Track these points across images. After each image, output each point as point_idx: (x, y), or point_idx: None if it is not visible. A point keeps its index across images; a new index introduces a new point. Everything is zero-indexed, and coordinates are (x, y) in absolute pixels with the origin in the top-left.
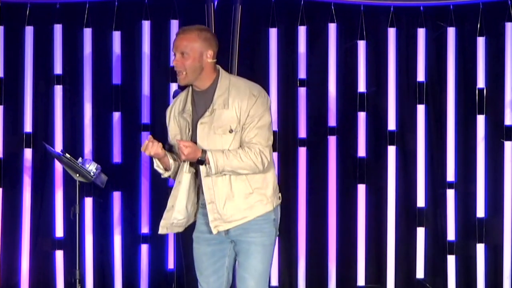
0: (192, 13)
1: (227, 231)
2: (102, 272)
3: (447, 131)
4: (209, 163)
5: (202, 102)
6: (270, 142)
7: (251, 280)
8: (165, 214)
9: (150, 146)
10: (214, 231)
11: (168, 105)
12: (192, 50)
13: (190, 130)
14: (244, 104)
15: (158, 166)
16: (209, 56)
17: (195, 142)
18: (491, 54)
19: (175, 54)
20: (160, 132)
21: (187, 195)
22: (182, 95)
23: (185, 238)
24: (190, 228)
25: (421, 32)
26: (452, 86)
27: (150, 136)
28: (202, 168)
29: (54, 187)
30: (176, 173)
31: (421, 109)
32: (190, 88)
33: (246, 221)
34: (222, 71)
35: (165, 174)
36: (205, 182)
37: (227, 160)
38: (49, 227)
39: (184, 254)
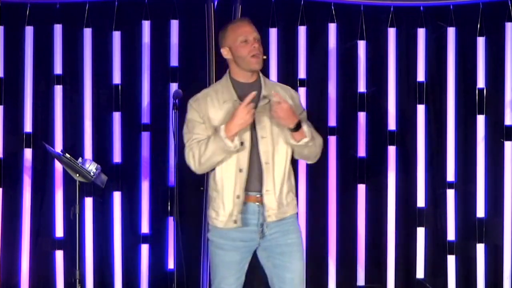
0: (192, 13)
1: (263, 235)
2: (102, 272)
3: (447, 131)
4: (303, 130)
5: (249, 93)
6: None
7: (298, 280)
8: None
9: (250, 108)
10: (268, 219)
11: (168, 105)
12: (260, 40)
13: None
14: (294, 97)
15: (227, 138)
16: None
17: (254, 129)
18: (491, 54)
19: (249, 40)
20: (160, 132)
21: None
22: (216, 86)
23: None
24: (190, 228)
25: (421, 32)
26: (452, 86)
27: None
28: (267, 154)
29: (54, 187)
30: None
31: (421, 109)
32: (228, 80)
33: (285, 216)
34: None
35: (235, 148)
36: (267, 168)
37: (313, 132)
38: (49, 227)
39: (184, 254)
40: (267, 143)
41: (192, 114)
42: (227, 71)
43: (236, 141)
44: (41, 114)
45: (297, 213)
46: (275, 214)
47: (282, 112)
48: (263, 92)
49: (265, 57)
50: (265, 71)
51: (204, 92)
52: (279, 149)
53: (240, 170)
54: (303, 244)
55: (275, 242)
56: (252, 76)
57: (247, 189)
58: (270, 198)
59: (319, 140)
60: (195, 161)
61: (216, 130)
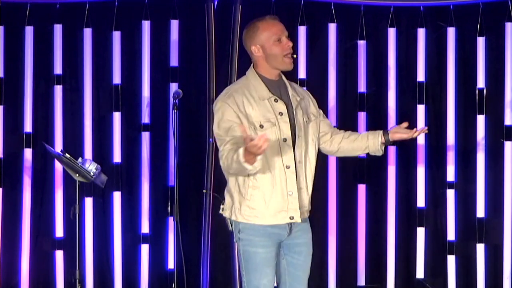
0: (192, 13)
1: (290, 232)
2: (102, 272)
3: (447, 131)
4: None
5: (280, 91)
6: None
7: (306, 279)
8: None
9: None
10: (302, 216)
11: (168, 105)
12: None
13: (287, 115)
14: (312, 97)
15: (244, 162)
16: None
17: (294, 127)
18: (491, 54)
19: (282, 38)
20: (160, 132)
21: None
22: (244, 83)
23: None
24: (190, 228)
25: (421, 32)
26: (452, 86)
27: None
28: (298, 152)
29: (54, 187)
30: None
31: (421, 109)
32: (257, 77)
33: (307, 216)
34: None
35: (254, 170)
36: (300, 168)
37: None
38: (49, 227)
39: (184, 254)
40: (301, 142)
41: (227, 112)
42: (251, 68)
43: (257, 163)
44: (41, 114)
45: None
46: (306, 211)
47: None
48: (291, 92)
49: (295, 55)
50: None
51: (234, 88)
52: (310, 148)
53: (288, 167)
54: None
55: (296, 241)
56: (278, 74)
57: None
58: (303, 196)
59: None
60: (225, 169)
61: (236, 151)
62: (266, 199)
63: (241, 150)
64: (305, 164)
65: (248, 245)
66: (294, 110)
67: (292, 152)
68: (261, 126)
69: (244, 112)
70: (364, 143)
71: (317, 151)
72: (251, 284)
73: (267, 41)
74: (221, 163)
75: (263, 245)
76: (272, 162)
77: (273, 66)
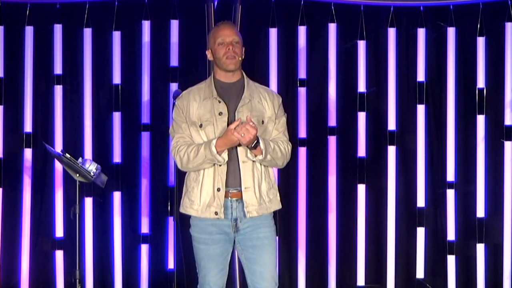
0: (192, 13)
1: (237, 229)
2: (102, 272)
3: (447, 131)
4: (260, 148)
5: (231, 93)
6: None
7: (268, 274)
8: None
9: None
10: (248, 215)
11: (168, 105)
12: (240, 42)
13: (227, 115)
14: (275, 100)
15: (222, 156)
16: (243, 52)
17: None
18: (491, 54)
19: (226, 42)
20: (160, 132)
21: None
22: (199, 85)
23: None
24: (189, 227)
25: (421, 32)
26: (452, 86)
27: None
28: (244, 152)
29: (54, 187)
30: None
31: (421, 109)
32: (211, 80)
33: (268, 212)
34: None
35: (223, 162)
36: (244, 166)
37: (272, 148)
38: (49, 227)
39: (184, 254)
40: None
41: (175, 112)
42: (212, 72)
43: (224, 155)
44: (41, 114)
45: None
46: (256, 210)
47: (249, 137)
48: (245, 93)
49: (241, 58)
50: (265, 71)
51: (187, 90)
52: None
53: (219, 165)
54: (275, 239)
55: (248, 236)
56: (234, 76)
57: (226, 183)
58: (250, 195)
59: (282, 150)
60: (182, 163)
61: (206, 143)
62: (202, 192)
63: (214, 141)
64: (252, 164)
65: (194, 241)
66: (237, 111)
67: (227, 151)
68: (201, 126)
69: (188, 111)
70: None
71: None
72: (200, 278)
73: (213, 45)
74: (176, 158)
75: (204, 242)
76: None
77: (221, 68)
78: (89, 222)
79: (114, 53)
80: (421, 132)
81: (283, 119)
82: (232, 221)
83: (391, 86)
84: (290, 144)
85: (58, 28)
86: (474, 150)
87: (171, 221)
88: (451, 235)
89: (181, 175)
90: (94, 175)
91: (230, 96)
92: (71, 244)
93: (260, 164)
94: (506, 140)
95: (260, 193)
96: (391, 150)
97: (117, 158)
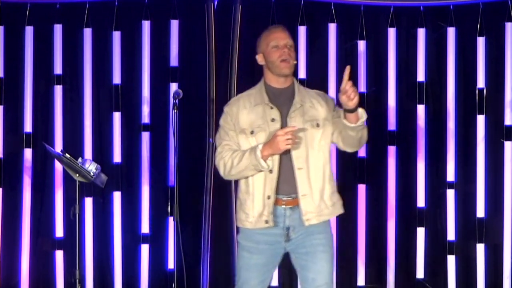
0: (192, 13)
1: (289, 238)
2: (102, 272)
3: (447, 131)
4: (358, 114)
5: (282, 99)
6: None
7: (322, 281)
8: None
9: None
10: (307, 223)
11: (168, 105)
12: (293, 46)
13: (280, 121)
14: (329, 101)
15: (267, 162)
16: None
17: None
18: (491, 54)
19: (281, 45)
20: (160, 132)
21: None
22: (250, 91)
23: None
24: (190, 228)
25: (421, 32)
26: (452, 86)
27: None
28: (300, 159)
29: (54, 187)
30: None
31: (421, 109)
32: (262, 85)
33: (329, 218)
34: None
35: (268, 169)
36: (300, 173)
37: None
38: (49, 227)
39: (184, 254)
40: (300, 149)
41: (223, 119)
42: (262, 77)
43: (269, 162)
44: (41, 114)
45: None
46: (315, 217)
47: (354, 93)
48: (296, 99)
49: (295, 62)
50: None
51: (237, 96)
52: (312, 154)
53: (271, 171)
54: (332, 246)
55: (301, 243)
56: (285, 82)
57: (276, 192)
58: (307, 202)
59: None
60: (225, 170)
61: (252, 148)
62: (254, 203)
63: (260, 146)
64: (307, 171)
65: (239, 248)
66: (289, 116)
67: (278, 158)
68: (252, 132)
69: (237, 119)
70: (341, 122)
71: (326, 156)
72: (236, 287)
73: (266, 48)
74: (220, 164)
75: (249, 250)
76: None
77: (274, 72)
78: (89, 222)
79: (114, 53)
80: (421, 132)
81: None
82: (284, 229)
83: (391, 86)
84: None
85: (58, 28)
86: (474, 150)
87: (171, 221)
88: (451, 235)
89: (181, 175)
90: (94, 175)
91: (282, 102)
92: (71, 244)
93: (323, 170)
94: (506, 140)
95: (321, 199)
96: (391, 150)
97: (117, 158)
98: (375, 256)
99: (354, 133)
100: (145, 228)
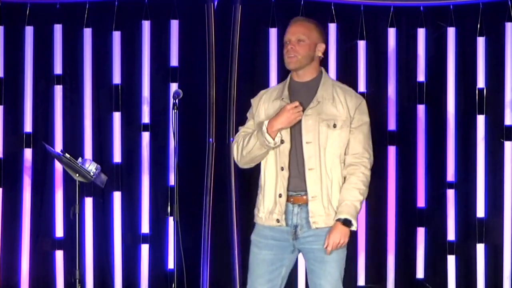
0: (192, 13)
1: (296, 236)
2: (102, 272)
3: (447, 131)
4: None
5: (303, 93)
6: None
7: (329, 287)
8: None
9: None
10: (313, 226)
11: (168, 105)
12: (309, 38)
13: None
14: (352, 102)
15: (273, 140)
16: (321, 49)
17: (300, 134)
18: (491, 54)
19: (289, 40)
20: (160, 132)
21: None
22: (278, 85)
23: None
24: (190, 228)
25: (421, 32)
26: (452, 86)
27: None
28: (311, 158)
29: (54, 187)
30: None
31: (421, 109)
32: (288, 79)
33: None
34: (325, 71)
35: (273, 145)
36: (311, 174)
37: (356, 204)
38: (49, 227)
39: (184, 254)
40: (312, 149)
41: (249, 110)
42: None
43: (277, 139)
44: (41, 114)
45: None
46: (323, 220)
47: (336, 243)
48: (317, 94)
49: (300, 57)
50: (265, 71)
51: (264, 90)
52: (327, 155)
53: (282, 169)
54: (342, 251)
55: (308, 246)
56: (305, 75)
57: (288, 188)
58: (317, 204)
59: (361, 189)
60: (238, 152)
61: (259, 125)
62: (265, 199)
63: (266, 121)
64: (320, 172)
65: (251, 244)
66: (305, 113)
67: (288, 154)
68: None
69: (256, 111)
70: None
71: (340, 159)
72: (248, 284)
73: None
74: (234, 148)
75: (257, 245)
76: (270, 163)
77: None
78: (89, 222)
79: (114, 53)
80: (421, 132)
81: (364, 127)
82: (291, 227)
83: (391, 86)
84: (370, 159)
85: (58, 28)
86: (474, 150)
87: (171, 221)
88: (451, 235)
89: (181, 175)
90: (94, 175)
91: (301, 97)
92: (71, 244)
93: (336, 172)
94: (506, 140)
95: (330, 202)
96: (391, 150)
97: (117, 158)
98: (375, 256)
99: None
100: (145, 228)
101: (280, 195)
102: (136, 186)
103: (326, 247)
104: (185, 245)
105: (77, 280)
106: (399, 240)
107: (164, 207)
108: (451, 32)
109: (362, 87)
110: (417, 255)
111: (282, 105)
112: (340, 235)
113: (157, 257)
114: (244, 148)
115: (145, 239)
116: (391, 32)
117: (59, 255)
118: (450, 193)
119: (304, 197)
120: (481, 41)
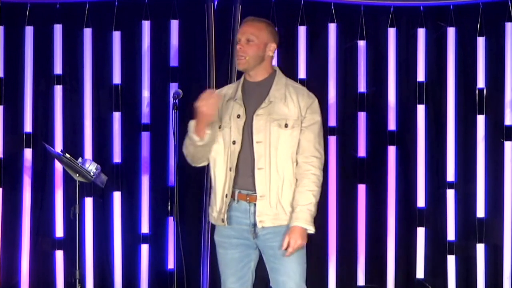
0: (192, 13)
1: (256, 234)
2: (102, 272)
3: (447, 131)
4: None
5: (255, 93)
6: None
7: (293, 284)
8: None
9: (210, 100)
10: (259, 225)
11: (168, 105)
12: (258, 38)
13: (244, 118)
14: (304, 101)
15: (193, 132)
16: (271, 49)
17: (251, 133)
18: (491, 54)
19: (239, 40)
20: (160, 132)
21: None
22: (233, 84)
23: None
24: (190, 228)
25: (421, 32)
26: (452, 86)
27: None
28: (261, 158)
29: (54, 187)
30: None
31: (421, 109)
32: (242, 79)
33: (287, 224)
34: (279, 69)
35: (199, 142)
36: (259, 174)
37: (310, 208)
38: (49, 227)
39: (184, 254)
40: (262, 148)
41: None
42: None
43: (205, 137)
44: (41, 114)
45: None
46: (270, 220)
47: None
48: (270, 93)
49: (247, 57)
50: None
51: (220, 89)
52: (279, 155)
53: (230, 169)
54: (303, 249)
55: (268, 244)
56: (256, 76)
57: (240, 187)
58: (264, 204)
59: (314, 191)
60: (184, 153)
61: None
62: (216, 199)
63: (192, 122)
64: (269, 171)
65: (216, 245)
66: (255, 113)
67: (237, 155)
68: (220, 127)
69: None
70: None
71: (291, 159)
72: (222, 285)
73: None
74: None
75: (222, 245)
76: (219, 163)
77: None
78: (89, 222)
79: (114, 53)
80: (421, 132)
81: (315, 126)
82: (250, 226)
83: (391, 86)
84: (321, 159)
85: (58, 28)
86: (474, 150)
87: (171, 221)
88: (451, 235)
89: (181, 175)
90: (94, 175)
91: (253, 97)
92: (71, 244)
93: (286, 173)
94: (506, 140)
95: (279, 203)
96: (391, 150)
97: (117, 158)
98: (375, 256)
99: None
100: (145, 228)
101: (226, 195)
102: (136, 186)
103: (285, 249)
104: (185, 245)
105: (77, 280)
106: (399, 240)
107: (164, 207)
108: (451, 32)
109: (362, 87)
110: (417, 255)
111: (235, 106)
112: (298, 238)
113: (157, 257)
114: (186, 147)
115: (145, 239)
116: (391, 32)
117: (59, 255)
118: (450, 193)
119: (255, 196)
120: (481, 41)
